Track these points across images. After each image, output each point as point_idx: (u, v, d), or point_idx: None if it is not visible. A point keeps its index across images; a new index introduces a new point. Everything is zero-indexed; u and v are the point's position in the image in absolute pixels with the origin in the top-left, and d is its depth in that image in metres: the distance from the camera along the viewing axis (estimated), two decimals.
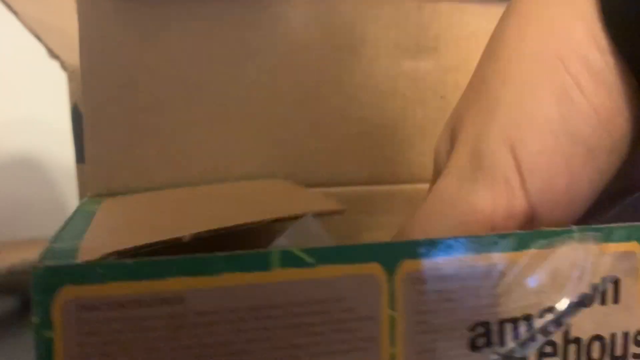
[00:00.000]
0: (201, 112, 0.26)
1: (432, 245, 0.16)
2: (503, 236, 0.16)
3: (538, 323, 0.17)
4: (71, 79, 0.27)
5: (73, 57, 0.26)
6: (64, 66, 0.27)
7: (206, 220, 0.17)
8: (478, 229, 0.19)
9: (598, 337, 0.17)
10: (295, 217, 0.17)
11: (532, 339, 0.17)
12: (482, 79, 0.21)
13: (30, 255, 0.48)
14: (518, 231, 0.16)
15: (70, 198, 0.64)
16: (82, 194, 0.28)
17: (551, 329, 0.17)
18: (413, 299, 0.16)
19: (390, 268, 0.15)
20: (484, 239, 0.16)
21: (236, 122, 0.26)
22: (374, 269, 0.15)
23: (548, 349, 0.17)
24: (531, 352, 0.17)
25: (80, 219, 0.19)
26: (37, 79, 0.58)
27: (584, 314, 0.17)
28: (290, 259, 0.15)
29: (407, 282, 0.15)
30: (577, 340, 0.17)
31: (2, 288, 0.45)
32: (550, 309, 0.17)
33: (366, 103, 0.27)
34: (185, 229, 0.16)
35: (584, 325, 0.17)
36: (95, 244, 0.15)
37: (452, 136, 0.24)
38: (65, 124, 0.26)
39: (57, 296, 0.13)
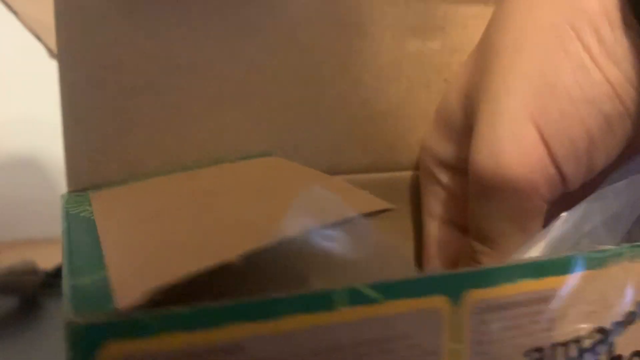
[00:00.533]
0: (195, 94, 0.23)
1: (495, 272, 0.15)
2: (560, 259, 0.16)
3: (587, 344, 0.16)
4: None
5: None
6: None
7: (242, 230, 0.15)
8: (529, 207, 0.20)
9: (638, 354, 0.17)
10: (347, 221, 0.15)
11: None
12: (492, 51, 0.21)
13: (29, 255, 0.49)
14: (573, 253, 0.16)
15: None
16: None
17: (599, 349, 0.16)
18: (476, 329, 0.15)
19: (455, 299, 0.14)
20: (544, 263, 0.15)
21: (233, 104, 0.24)
22: (439, 301, 0.14)
23: None
24: None
25: (82, 233, 0.17)
26: (37, 78, 0.55)
27: (628, 331, 0.17)
28: (356, 297, 0.13)
29: (472, 313, 0.14)
30: (618, 358, 0.17)
31: (1, 288, 0.45)
32: (599, 330, 0.16)
33: (370, 86, 0.26)
34: (226, 247, 0.14)
35: (626, 342, 0.17)
36: (126, 279, 0.13)
37: (450, 121, 0.24)
38: None
39: (100, 354, 0.11)
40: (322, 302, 0.13)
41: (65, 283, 0.13)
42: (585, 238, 0.20)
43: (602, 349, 0.17)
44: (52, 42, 0.23)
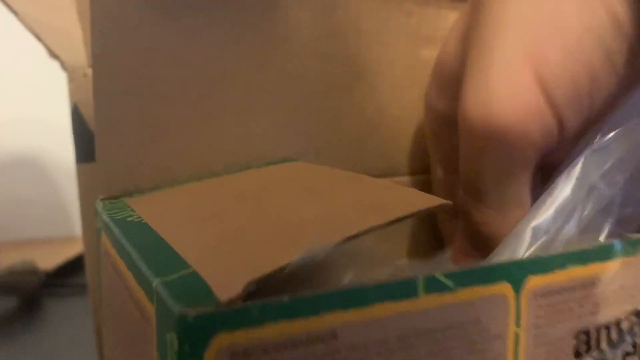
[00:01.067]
0: (224, 102, 0.24)
1: (549, 260, 0.16)
2: (603, 246, 0.17)
3: (625, 326, 0.18)
4: (71, 79, 0.24)
5: (73, 57, 0.24)
6: (64, 66, 0.24)
7: (316, 225, 0.15)
8: (521, 159, 0.19)
9: None
10: (409, 216, 0.16)
11: (620, 340, 0.17)
12: None
13: (29, 255, 0.49)
14: (614, 241, 0.17)
15: (71, 198, 0.65)
16: (82, 195, 0.25)
17: (636, 330, 0.18)
18: (534, 313, 0.16)
19: (517, 286, 0.15)
20: (588, 251, 0.17)
21: (260, 113, 0.24)
22: (505, 288, 0.15)
23: (629, 349, 0.18)
24: (618, 354, 0.18)
25: (140, 236, 0.17)
26: (37, 79, 0.58)
27: None
28: (434, 285, 0.14)
29: (531, 299, 0.16)
30: None
31: (1, 288, 0.45)
32: (636, 313, 0.18)
33: (385, 93, 0.27)
34: (304, 240, 0.14)
35: None
36: (217, 274, 0.14)
37: (446, 73, 0.23)
38: (66, 124, 0.25)
39: (211, 345, 0.12)
40: (408, 289, 0.14)
41: (154, 282, 0.14)
42: (587, 196, 0.19)
43: (639, 330, 0.18)
44: (52, 42, 0.24)
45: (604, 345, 0.17)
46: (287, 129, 0.25)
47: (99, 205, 0.21)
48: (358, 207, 0.17)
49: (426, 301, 0.14)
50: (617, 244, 0.17)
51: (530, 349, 0.16)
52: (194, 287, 0.13)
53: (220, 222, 0.17)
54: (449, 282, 0.14)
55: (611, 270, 0.17)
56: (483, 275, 0.15)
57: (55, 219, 0.64)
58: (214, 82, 0.23)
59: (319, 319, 0.13)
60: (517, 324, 0.15)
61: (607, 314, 0.17)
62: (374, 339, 0.13)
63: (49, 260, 0.50)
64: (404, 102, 0.27)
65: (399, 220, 0.16)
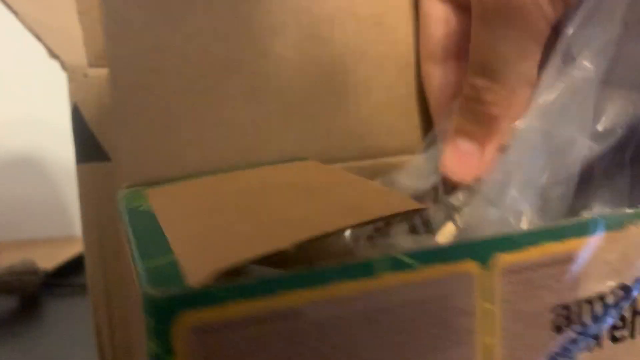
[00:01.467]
0: (231, 91, 0.25)
1: (520, 237, 0.16)
2: (581, 222, 0.17)
3: (611, 300, 0.18)
4: (71, 79, 0.25)
5: (73, 57, 0.25)
6: (64, 66, 0.25)
7: (296, 224, 0.16)
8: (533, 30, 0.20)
9: None
10: (384, 218, 0.17)
11: (606, 315, 0.18)
12: None
13: (29, 255, 0.49)
14: (593, 216, 0.17)
15: (71, 198, 0.64)
16: (82, 195, 0.26)
17: (622, 304, 0.18)
18: (504, 290, 0.16)
19: (484, 263, 0.16)
20: (564, 227, 0.17)
21: (265, 98, 0.25)
22: (470, 265, 0.16)
23: (618, 323, 0.18)
24: (605, 327, 0.18)
25: (144, 224, 0.19)
26: (37, 79, 0.58)
27: None
28: (394, 264, 0.15)
29: (499, 276, 0.16)
30: None
31: (1, 288, 0.46)
32: (622, 287, 0.18)
33: (390, 72, 0.27)
34: (279, 237, 0.15)
35: None
36: (193, 261, 0.15)
37: None
38: (66, 124, 0.25)
39: (176, 322, 0.13)
40: (364, 269, 0.15)
41: (138, 265, 0.15)
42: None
43: (626, 304, 0.18)
44: (52, 42, 0.25)
45: (586, 319, 0.17)
46: (292, 114, 0.26)
47: (120, 194, 0.23)
48: (343, 208, 0.18)
49: (388, 280, 0.15)
50: (597, 219, 0.17)
51: (506, 324, 0.16)
52: (170, 272, 0.15)
53: (214, 216, 0.19)
54: (410, 261, 0.15)
55: (592, 245, 0.17)
56: (446, 254, 0.15)
57: (55, 219, 0.64)
58: (219, 73, 0.24)
59: (281, 298, 0.14)
60: (489, 301, 0.16)
61: (589, 289, 0.17)
62: (337, 316, 0.14)
63: (48, 260, 0.51)
64: (410, 80, 0.28)
65: (373, 221, 0.17)
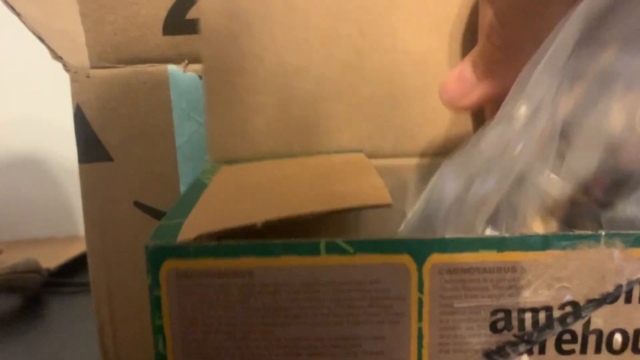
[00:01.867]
0: (298, 92, 0.29)
1: (458, 242, 0.18)
2: (527, 237, 0.18)
3: (557, 314, 0.19)
4: (74, 80, 0.26)
5: (76, 58, 0.26)
6: (67, 67, 0.27)
7: (278, 207, 0.21)
8: None
9: (621, 331, 0.19)
10: (346, 211, 0.20)
11: (549, 327, 0.19)
12: None
13: (32, 254, 0.50)
14: (543, 233, 0.18)
15: (74, 198, 0.64)
16: (85, 194, 0.28)
17: (570, 320, 0.19)
18: (438, 285, 0.19)
19: (419, 260, 0.18)
20: (508, 240, 0.18)
21: (329, 99, 0.29)
22: (405, 259, 0.18)
23: (567, 337, 0.19)
24: (549, 338, 0.19)
25: (193, 192, 0.24)
26: (40, 78, 0.58)
27: (607, 309, 0.19)
28: (334, 248, 0.18)
29: (434, 272, 0.18)
30: (597, 332, 0.19)
31: (4, 287, 0.46)
32: (570, 303, 0.19)
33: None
34: (260, 216, 0.20)
35: (605, 319, 0.19)
36: (193, 225, 0.20)
37: None
38: (69, 124, 0.26)
39: (163, 266, 0.18)
40: (310, 248, 0.18)
41: (160, 222, 0.21)
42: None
43: (574, 321, 0.19)
44: (55, 43, 0.26)
45: (528, 326, 0.19)
46: (353, 112, 0.29)
47: (205, 165, 0.29)
48: (328, 196, 0.21)
49: (328, 259, 0.18)
50: (547, 237, 0.18)
51: (436, 315, 0.19)
52: (173, 231, 0.20)
53: (238, 193, 0.23)
54: (348, 247, 0.18)
55: (537, 260, 0.18)
56: (382, 246, 0.18)
57: (58, 219, 0.65)
58: (289, 76, 0.29)
59: (238, 260, 0.18)
60: (420, 291, 0.19)
61: (533, 300, 0.19)
62: (282, 282, 0.18)
63: (52, 259, 0.51)
64: None
65: (338, 211, 0.20)
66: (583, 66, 0.22)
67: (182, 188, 0.28)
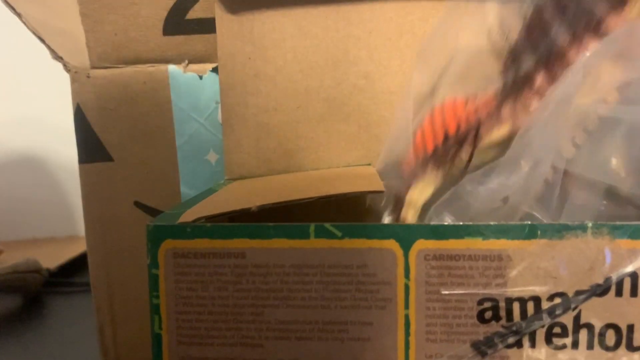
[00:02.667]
0: (309, 112, 0.31)
1: (442, 228, 0.19)
2: (513, 225, 0.19)
3: (546, 305, 0.19)
4: (74, 80, 0.26)
5: (77, 58, 0.26)
6: (67, 67, 0.27)
7: (274, 196, 0.22)
8: None
9: (613, 326, 0.19)
10: (340, 196, 0.21)
11: (538, 318, 0.19)
12: None
13: (33, 254, 0.50)
14: (529, 222, 0.19)
15: (74, 198, 0.63)
16: (85, 194, 0.28)
17: (559, 311, 0.19)
18: (424, 272, 0.19)
19: (405, 246, 0.19)
20: (494, 227, 0.19)
21: (339, 120, 0.31)
22: (392, 245, 0.19)
23: (557, 330, 0.19)
24: (539, 330, 0.19)
25: (201, 195, 0.26)
26: (41, 77, 0.57)
27: (597, 302, 0.19)
28: (323, 232, 0.19)
29: (420, 258, 0.19)
30: (588, 326, 0.19)
31: (5, 287, 0.46)
32: (559, 294, 0.19)
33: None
34: (254, 202, 0.21)
35: (596, 313, 0.19)
36: (193, 212, 0.21)
37: None
38: (70, 124, 0.27)
39: (161, 246, 0.19)
40: (300, 232, 0.19)
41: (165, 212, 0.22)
42: None
43: (563, 312, 0.19)
44: (55, 43, 0.27)
45: (516, 317, 0.19)
46: (360, 134, 0.31)
47: (219, 182, 0.31)
48: (324, 186, 0.22)
49: (317, 242, 0.19)
50: (533, 226, 0.19)
51: (423, 301, 0.19)
52: (175, 216, 0.21)
53: (246, 191, 0.25)
54: (336, 232, 0.19)
55: (523, 249, 0.19)
56: (369, 231, 0.19)
57: (59, 219, 0.65)
58: (301, 98, 0.31)
59: (231, 241, 0.19)
60: (408, 277, 0.19)
61: (519, 290, 0.19)
62: (273, 263, 0.19)
63: (52, 259, 0.51)
64: None
65: (327, 197, 0.21)
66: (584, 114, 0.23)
67: (182, 188, 0.29)
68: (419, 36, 0.30)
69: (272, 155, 0.31)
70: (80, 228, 0.33)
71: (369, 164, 0.30)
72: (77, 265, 0.52)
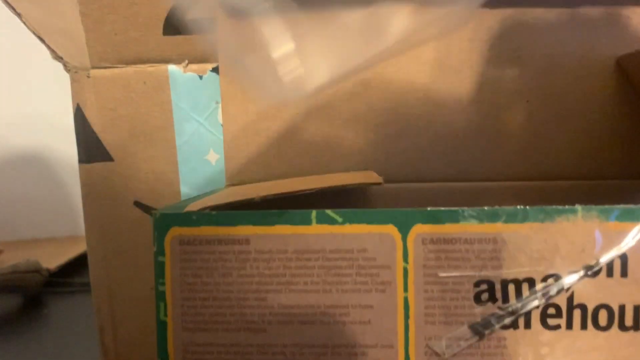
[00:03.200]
0: (308, 119, 0.32)
1: (439, 212, 0.20)
2: (506, 209, 0.20)
3: (540, 286, 0.19)
4: (74, 80, 0.26)
5: (77, 58, 0.26)
6: (67, 67, 0.27)
7: (276, 189, 0.22)
8: None
9: (605, 307, 0.19)
10: (340, 187, 0.22)
11: (533, 299, 0.19)
12: None
13: (33, 254, 0.50)
14: (521, 206, 0.20)
15: (75, 198, 0.64)
16: (85, 194, 0.28)
17: (553, 292, 0.19)
18: (422, 255, 0.20)
19: (404, 230, 0.20)
20: (488, 211, 0.19)
21: (337, 127, 0.31)
22: (390, 229, 0.20)
23: (551, 311, 0.20)
24: (534, 311, 0.19)
25: (205, 195, 0.26)
26: (42, 76, 0.58)
27: (589, 283, 0.19)
28: (324, 218, 0.20)
29: (418, 242, 0.20)
30: (581, 307, 0.19)
31: (5, 287, 0.46)
32: (552, 276, 0.19)
33: (453, 109, 0.31)
34: (257, 194, 0.21)
35: (589, 293, 0.19)
36: (199, 203, 0.22)
37: None
38: (70, 123, 0.27)
39: (168, 233, 0.20)
40: (302, 218, 0.20)
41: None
42: None
43: (556, 292, 0.19)
44: (55, 43, 0.26)
45: (511, 298, 0.19)
46: (359, 140, 0.31)
47: (222, 187, 0.31)
48: (324, 179, 0.23)
49: (318, 228, 0.20)
50: (530, 209, 0.19)
51: (421, 284, 0.20)
52: (181, 206, 0.22)
53: (249, 187, 0.25)
54: (337, 217, 0.20)
55: (516, 232, 0.19)
56: (369, 217, 0.20)
57: (59, 219, 0.65)
58: (299, 105, 0.32)
59: (236, 228, 0.20)
60: (406, 261, 0.20)
61: (513, 271, 0.19)
62: (276, 249, 0.20)
63: (52, 259, 0.51)
64: (471, 115, 0.31)
65: (327, 188, 0.22)
66: None
67: (182, 188, 0.29)
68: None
69: (271, 161, 0.32)
70: (81, 228, 0.30)
71: (369, 170, 0.31)
72: (78, 265, 0.52)
